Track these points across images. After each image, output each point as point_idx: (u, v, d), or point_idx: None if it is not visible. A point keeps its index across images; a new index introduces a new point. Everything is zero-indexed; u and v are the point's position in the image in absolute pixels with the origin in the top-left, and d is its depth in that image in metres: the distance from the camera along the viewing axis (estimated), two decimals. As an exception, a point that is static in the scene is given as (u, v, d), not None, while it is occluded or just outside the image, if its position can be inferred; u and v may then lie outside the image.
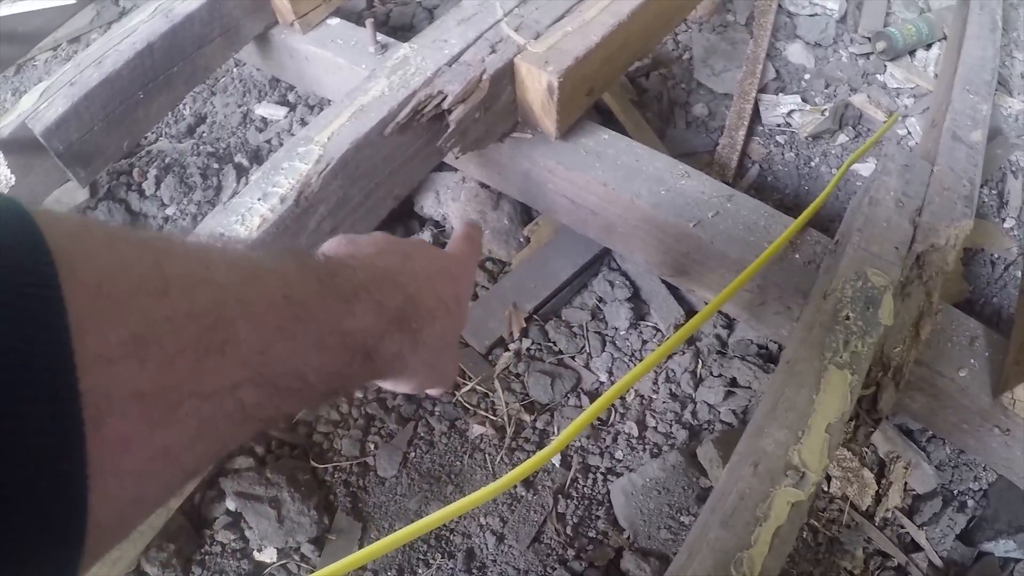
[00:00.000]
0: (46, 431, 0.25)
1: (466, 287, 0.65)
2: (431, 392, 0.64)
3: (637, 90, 1.57)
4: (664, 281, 1.23)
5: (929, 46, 1.71)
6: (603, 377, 1.16)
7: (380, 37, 1.27)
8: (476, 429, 1.11)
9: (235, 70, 1.63)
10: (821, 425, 0.80)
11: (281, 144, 1.50)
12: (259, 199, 0.93)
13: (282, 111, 1.54)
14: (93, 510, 0.27)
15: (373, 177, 1.02)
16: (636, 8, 1.13)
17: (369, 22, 1.24)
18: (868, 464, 1.09)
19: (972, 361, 0.97)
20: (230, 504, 1.04)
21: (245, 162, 1.46)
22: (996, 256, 1.35)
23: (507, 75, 1.06)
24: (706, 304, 1.03)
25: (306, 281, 0.42)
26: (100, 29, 1.77)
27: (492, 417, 1.12)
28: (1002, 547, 1.03)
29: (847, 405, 0.82)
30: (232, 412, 0.35)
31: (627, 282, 1.23)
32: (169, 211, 1.40)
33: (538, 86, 1.05)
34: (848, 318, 0.89)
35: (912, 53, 1.71)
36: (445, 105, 1.01)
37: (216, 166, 1.45)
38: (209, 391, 0.33)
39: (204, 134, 1.53)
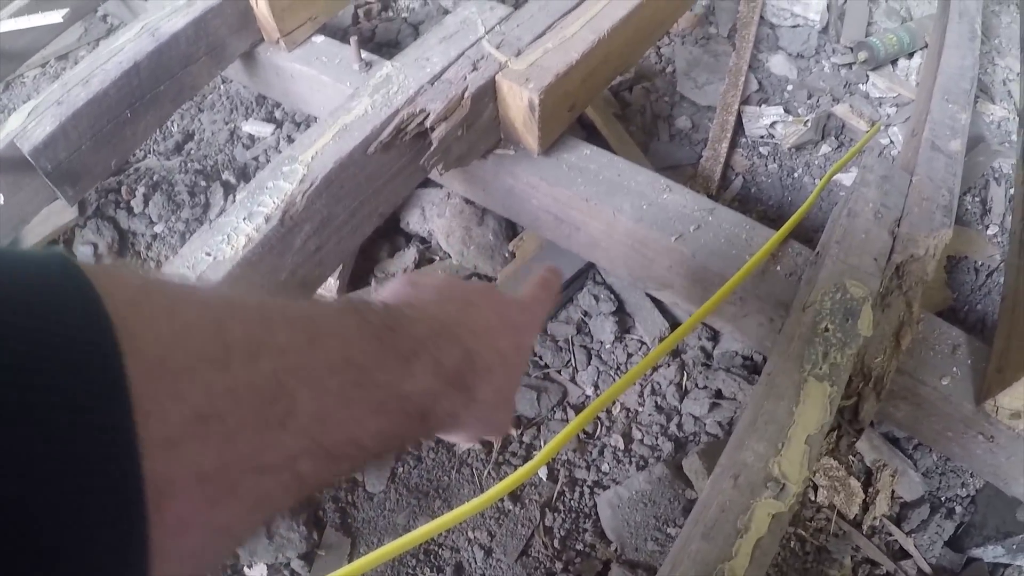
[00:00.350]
0: (111, 522, 0.24)
1: (530, 337, 0.64)
2: (485, 437, 0.62)
3: (620, 103, 1.58)
4: (648, 294, 1.23)
5: (911, 55, 1.72)
6: (589, 391, 1.17)
7: (365, 55, 1.28)
8: (463, 444, 1.11)
9: (222, 87, 1.64)
10: (801, 437, 0.81)
11: (268, 161, 1.50)
12: (244, 218, 0.93)
13: (269, 128, 1.55)
14: None
15: (357, 195, 1.03)
16: (616, 24, 1.14)
17: (353, 40, 1.25)
18: (855, 473, 1.10)
19: (954, 369, 0.98)
20: (219, 522, 1.05)
21: (232, 179, 1.47)
22: (979, 263, 1.36)
23: (489, 92, 1.07)
24: (690, 316, 1.03)
25: (365, 341, 0.41)
26: (88, 46, 1.78)
27: (479, 432, 1.12)
28: (991, 552, 1.04)
29: (826, 416, 0.83)
30: (288, 483, 0.34)
31: (612, 296, 1.24)
32: (157, 229, 1.41)
33: (519, 103, 1.06)
34: (827, 330, 0.90)
35: (894, 62, 1.72)
36: (427, 123, 1.02)
37: (204, 183, 1.46)
38: (268, 465, 0.32)
39: (192, 151, 1.53)
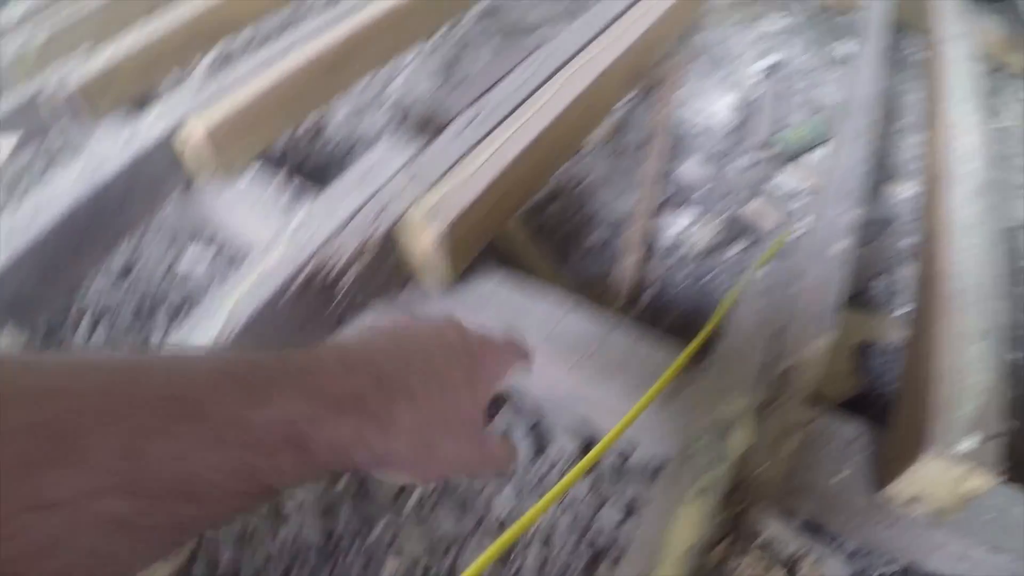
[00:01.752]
0: None
1: (491, 373, 0.62)
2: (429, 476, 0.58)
3: (535, 220, 1.64)
4: (563, 409, 1.27)
5: (825, 143, 1.78)
6: (510, 507, 1.20)
7: (295, 184, 1.34)
8: (391, 565, 1.15)
9: (161, 215, 1.68)
10: (673, 556, 0.86)
11: (208, 290, 1.56)
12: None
13: (207, 256, 1.61)
14: None
15: (276, 341, 1.08)
16: (521, 154, 1.21)
17: (281, 174, 1.31)
18: (782, 562, 1.13)
19: (851, 462, 1.03)
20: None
21: (175, 304, 1.53)
22: (889, 347, 1.41)
23: (399, 231, 1.13)
24: (605, 434, 1.07)
25: (204, 376, 0.40)
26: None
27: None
28: (926, 625, 1.06)
29: (701, 532, 0.88)
30: (96, 522, 0.34)
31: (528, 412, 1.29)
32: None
33: (427, 239, 1.11)
34: (699, 450, 0.95)
35: (809, 150, 1.79)
36: (333, 274, 1.07)
37: (147, 310, 1.52)
38: (49, 502, 0.32)
39: (134, 279, 1.59)
